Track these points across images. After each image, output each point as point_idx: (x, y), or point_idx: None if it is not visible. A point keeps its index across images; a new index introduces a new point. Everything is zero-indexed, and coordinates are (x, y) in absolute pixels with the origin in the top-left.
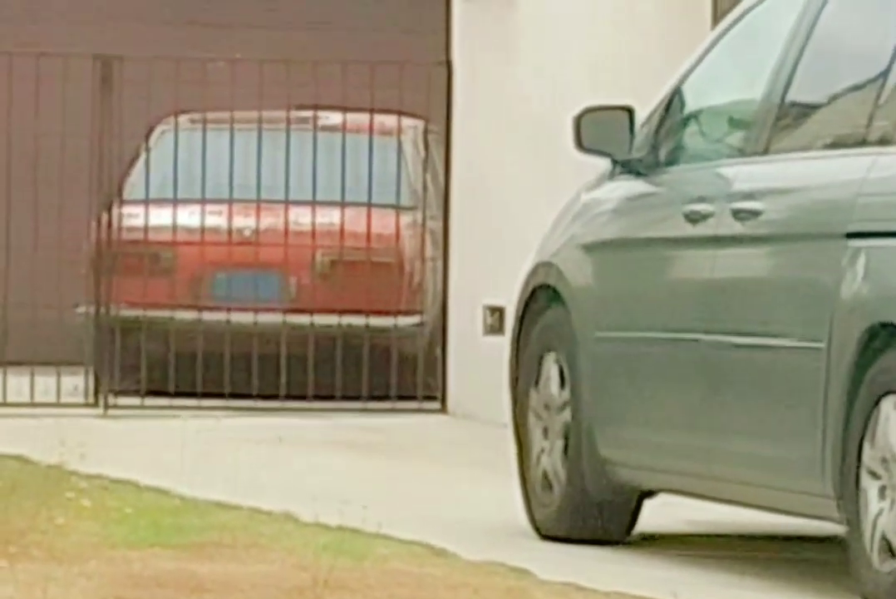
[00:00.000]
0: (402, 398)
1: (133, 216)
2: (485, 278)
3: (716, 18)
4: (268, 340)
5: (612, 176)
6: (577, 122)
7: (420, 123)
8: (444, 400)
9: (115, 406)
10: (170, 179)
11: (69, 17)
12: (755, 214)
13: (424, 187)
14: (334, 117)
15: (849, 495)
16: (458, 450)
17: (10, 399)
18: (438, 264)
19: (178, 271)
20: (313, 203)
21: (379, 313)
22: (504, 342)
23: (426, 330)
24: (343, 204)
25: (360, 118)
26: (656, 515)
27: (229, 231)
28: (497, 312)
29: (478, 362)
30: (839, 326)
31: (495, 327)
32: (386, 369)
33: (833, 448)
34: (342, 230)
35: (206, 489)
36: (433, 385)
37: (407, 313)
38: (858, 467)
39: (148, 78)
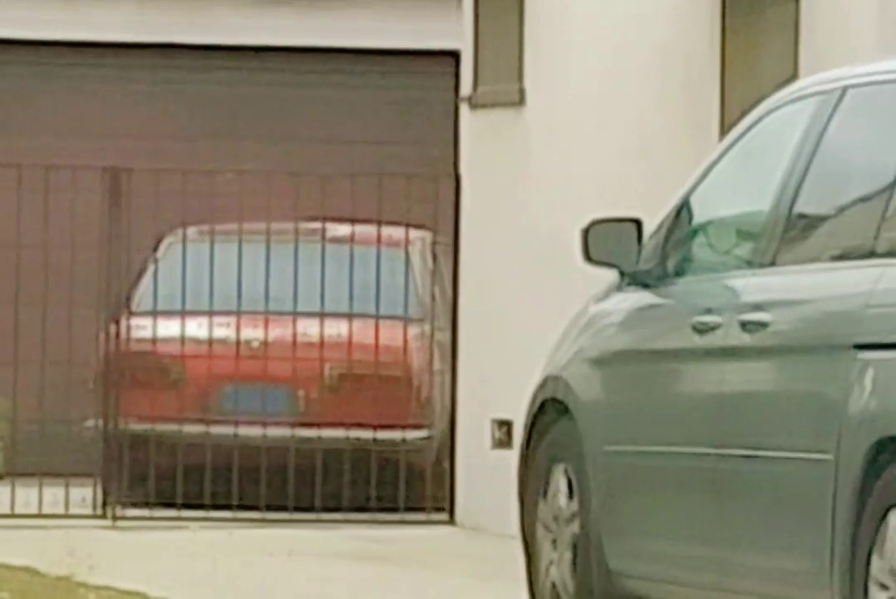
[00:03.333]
0: (410, 509)
1: (141, 328)
2: (493, 391)
3: (723, 131)
4: (276, 452)
5: (620, 288)
6: (585, 234)
7: (428, 235)
8: (452, 512)
9: (124, 518)
10: (178, 290)
11: (78, 130)
12: (763, 325)
13: (432, 299)
14: (342, 229)
15: None
16: (466, 562)
17: (18, 511)
18: (447, 376)
19: (187, 384)
20: (321, 315)
21: (387, 426)
22: (512, 456)
23: (434, 443)
24: (351, 316)
25: (368, 230)
26: None
27: (237, 343)
28: (505, 425)
29: (486, 475)
30: (847, 438)
31: (503, 441)
32: (394, 481)
33: (841, 560)
34: (350, 343)
35: None
36: (441, 497)
37: (415, 426)
38: (867, 578)
39: (156, 190)
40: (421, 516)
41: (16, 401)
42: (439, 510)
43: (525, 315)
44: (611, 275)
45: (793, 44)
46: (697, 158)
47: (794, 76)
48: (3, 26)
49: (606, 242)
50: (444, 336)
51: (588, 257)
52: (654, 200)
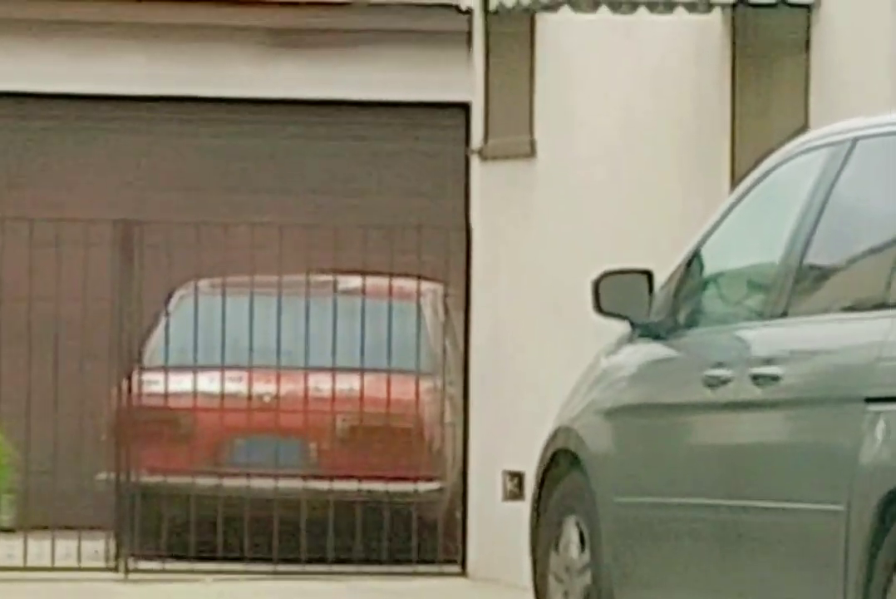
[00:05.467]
0: (422, 561)
1: (153, 383)
2: (504, 443)
3: (734, 182)
4: (288, 505)
5: (631, 339)
6: (596, 285)
7: (439, 287)
8: (464, 564)
9: (136, 570)
10: (190, 344)
11: (90, 183)
12: (774, 379)
13: (444, 352)
14: (354, 281)
15: None
16: None
17: (31, 563)
18: (458, 429)
19: (198, 437)
20: (333, 369)
21: (399, 479)
22: (524, 507)
23: (446, 495)
24: (363, 370)
25: (379, 282)
26: None
27: (249, 397)
28: (517, 477)
29: (498, 527)
30: (858, 490)
31: (515, 493)
32: (406, 532)
33: None
34: (362, 396)
35: None
36: (453, 549)
37: (427, 478)
38: None
39: (168, 243)
40: (433, 568)
41: (28, 454)
42: (451, 561)
43: (536, 367)
44: (622, 327)
45: (803, 95)
46: (708, 210)
47: (804, 127)
48: (15, 80)
49: (617, 293)
50: (455, 389)
51: (599, 308)
52: (665, 251)
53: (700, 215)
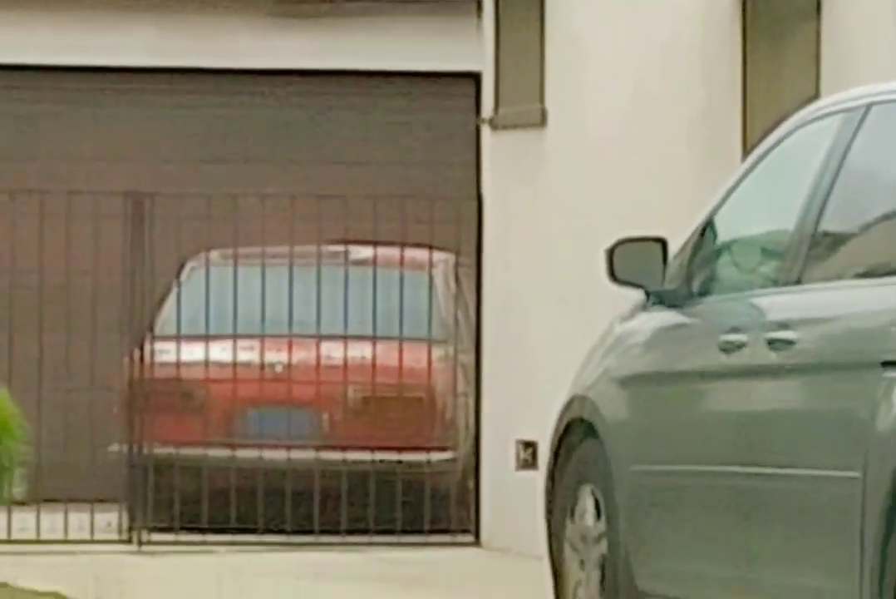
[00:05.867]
0: (435, 531)
1: (165, 352)
2: (517, 412)
3: (745, 150)
4: (301, 476)
5: (645, 307)
6: (611, 253)
7: (451, 257)
8: (477, 534)
9: (150, 542)
10: (201, 314)
11: (99, 155)
12: (790, 343)
13: (455, 321)
14: (365, 252)
15: None
16: (492, 583)
17: (44, 536)
18: (470, 398)
19: (211, 408)
20: (345, 338)
21: (411, 448)
22: (537, 477)
23: (459, 465)
24: (375, 338)
25: (390, 253)
26: None
27: (261, 367)
28: (530, 446)
29: (511, 496)
30: (875, 455)
31: (528, 462)
32: (419, 503)
33: (871, 578)
34: (374, 365)
35: None
36: (466, 519)
37: (440, 448)
38: None
39: (178, 214)
40: (446, 538)
41: (40, 426)
42: (464, 531)
43: (548, 336)
44: (634, 295)
45: (814, 63)
46: (719, 179)
47: (815, 95)
48: (22, 52)
49: (632, 261)
50: (467, 358)
51: (613, 276)
52: (676, 221)
53: (712, 184)
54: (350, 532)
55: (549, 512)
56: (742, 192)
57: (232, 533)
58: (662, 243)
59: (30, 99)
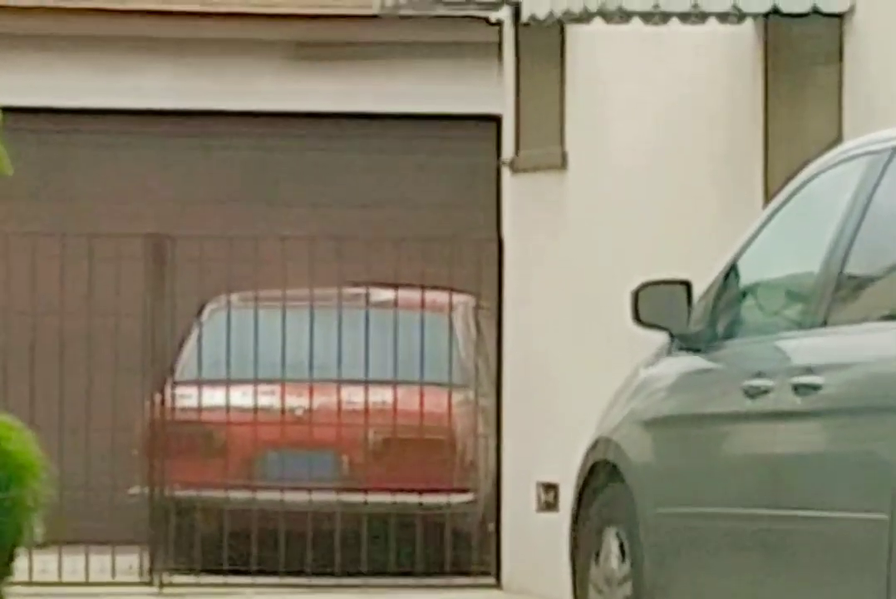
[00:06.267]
0: (456, 573)
1: (186, 397)
2: (538, 454)
3: (767, 193)
4: (322, 518)
5: (669, 351)
6: (635, 296)
7: (471, 300)
8: (498, 576)
9: (171, 584)
10: (222, 357)
11: (120, 197)
12: (814, 388)
13: (476, 364)
14: (386, 294)
15: None
16: None
17: (65, 578)
18: (491, 441)
19: (231, 451)
20: (366, 383)
21: (432, 491)
22: (558, 518)
23: (480, 507)
24: (395, 383)
25: (411, 295)
26: None
27: (282, 411)
28: (551, 488)
29: (532, 539)
30: None
31: (550, 504)
32: (440, 545)
33: None
34: (395, 409)
35: None
36: (487, 561)
37: (460, 490)
38: None
39: (199, 257)
40: (467, 580)
41: (62, 468)
42: (485, 573)
43: (568, 378)
44: (657, 339)
45: (837, 105)
46: (742, 219)
47: (838, 139)
48: (43, 95)
49: (656, 304)
50: (487, 401)
51: (638, 318)
52: (698, 264)
53: (734, 227)
54: (371, 573)
55: (574, 554)
56: (767, 234)
57: (253, 575)
58: (687, 285)
59: (50, 141)
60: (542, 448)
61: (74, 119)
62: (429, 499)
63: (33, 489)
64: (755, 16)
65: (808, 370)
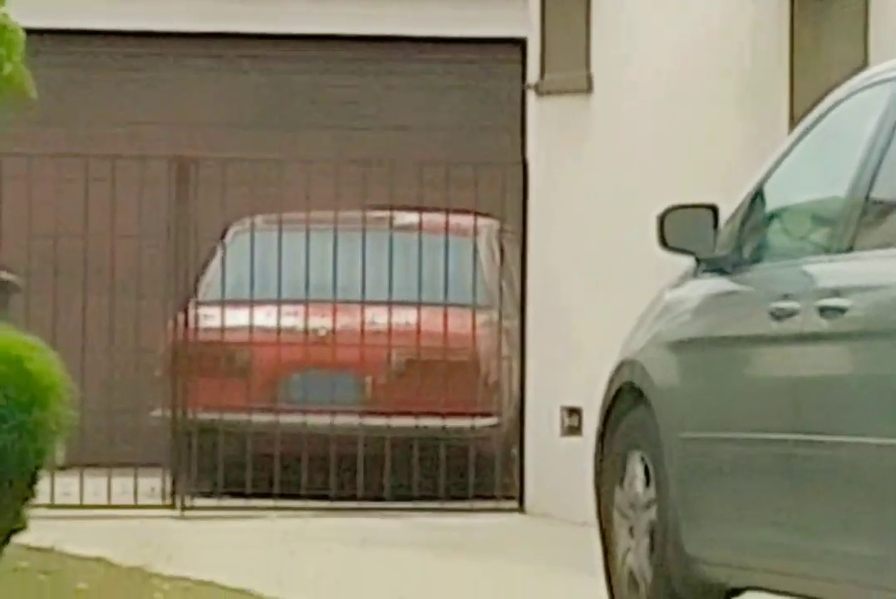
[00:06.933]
0: (479, 497)
1: (209, 317)
2: (562, 378)
3: (792, 118)
4: (344, 441)
5: (695, 274)
6: (661, 220)
7: (495, 223)
8: (521, 500)
9: (193, 508)
10: (245, 279)
11: (144, 120)
12: (841, 311)
13: (499, 287)
14: (410, 217)
15: None
16: (537, 549)
17: (87, 501)
18: (514, 364)
19: (254, 373)
20: (389, 303)
21: (456, 414)
22: (581, 443)
23: (503, 431)
24: (419, 304)
25: (435, 218)
26: None
27: (305, 332)
28: (574, 413)
29: (555, 463)
30: None
31: (573, 428)
32: (463, 469)
33: None
34: (418, 330)
35: (291, 590)
36: (511, 485)
37: (484, 413)
38: None
39: (223, 179)
40: (490, 504)
41: (84, 391)
42: (509, 497)
43: (592, 302)
44: (681, 262)
45: (862, 32)
46: (767, 145)
47: (863, 63)
48: (67, 17)
49: (683, 228)
50: (511, 324)
51: (664, 243)
52: (723, 188)
53: (759, 151)
54: (394, 497)
55: (599, 479)
56: (793, 159)
57: (275, 498)
58: (713, 209)
59: (75, 64)
60: (566, 372)
61: (98, 41)
62: (452, 423)
63: (55, 412)
64: None
65: (835, 293)
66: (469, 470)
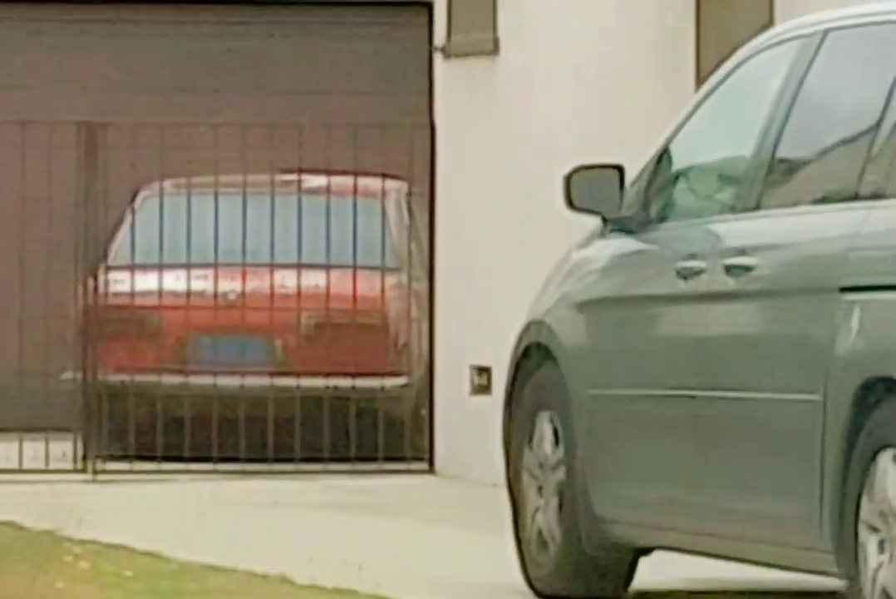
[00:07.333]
0: (389, 459)
1: (119, 282)
2: (471, 338)
3: (699, 78)
4: (255, 403)
5: (602, 234)
6: (567, 180)
7: (403, 185)
8: (431, 461)
9: (104, 471)
10: (155, 243)
11: (53, 85)
12: (747, 269)
13: (408, 249)
14: (318, 180)
15: (847, 549)
16: (448, 510)
17: None
18: (424, 325)
19: (164, 336)
20: (298, 266)
21: (365, 374)
22: (491, 402)
23: (413, 391)
24: (328, 267)
25: (343, 181)
26: (652, 572)
27: (215, 295)
28: (484, 372)
29: (465, 423)
30: (834, 380)
31: (482, 387)
32: (373, 430)
33: (831, 503)
34: (328, 293)
35: (202, 552)
36: (421, 446)
37: (394, 374)
38: (857, 521)
39: (132, 144)
40: (401, 465)
41: None
42: (419, 459)
43: (501, 263)
44: (588, 222)
45: None
46: (673, 106)
47: (769, 24)
48: None
49: (589, 188)
50: (421, 286)
51: (570, 203)
52: (630, 147)
53: (667, 111)
54: (304, 459)
55: (507, 439)
56: (699, 118)
57: (186, 462)
58: (619, 169)
59: None
60: (475, 332)
61: (7, 6)
62: (362, 383)
63: None
64: None
65: (741, 252)
66: (379, 431)
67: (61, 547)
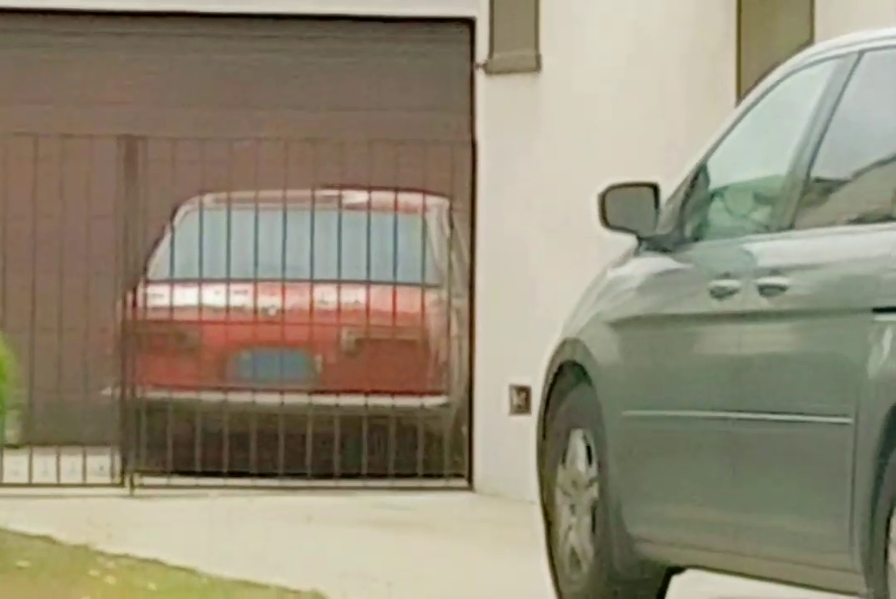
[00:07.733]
0: (428, 476)
1: (158, 296)
2: (511, 357)
3: (740, 96)
4: (294, 419)
5: (637, 253)
6: (602, 199)
7: (444, 202)
8: (470, 478)
9: (142, 486)
10: (195, 258)
11: (94, 99)
12: (781, 289)
13: (449, 266)
14: (359, 196)
15: (877, 570)
16: (485, 528)
17: (36, 480)
18: (464, 342)
19: (204, 351)
20: (338, 282)
21: (405, 393)
22: (530, 420)
23: (452, 409)
24: (368, 283)
25: (384, 197)
26: (684, 592)
27: (255, 310)
28: (523, 391)
29: (504, 441)
30: (866, 401)
31: (522, 407)
32: (412, 447)
33: (861, 524)
34: (368, 309)
35: (234, 568)
36: (460, 464)
37: (433, 392)
38: (887, 542)
39: (172, 158)
40: (439, 482)
41: (34, 369)
42: (458, 476)
43: (541, 280)
44: (628, 240)
45: (808, 9)
46: (714, 124)
47: (809, 42)
48: None
49: (624, 207)
50: (461, 302)
51: (605, 222)
52: (671, 165)
53: (706, 130)
54: (343, 476)
55: (541, 457)
56: (735, 137)
57: (224, 477)
58: (654, 188)
59: (25, 42)
60: (515, 350)
61: (50, 20)
62: (401, 401)
63: (3, 390)
64: None
65: (775, 272)
66: (418, 449)
67: (94, 562)
